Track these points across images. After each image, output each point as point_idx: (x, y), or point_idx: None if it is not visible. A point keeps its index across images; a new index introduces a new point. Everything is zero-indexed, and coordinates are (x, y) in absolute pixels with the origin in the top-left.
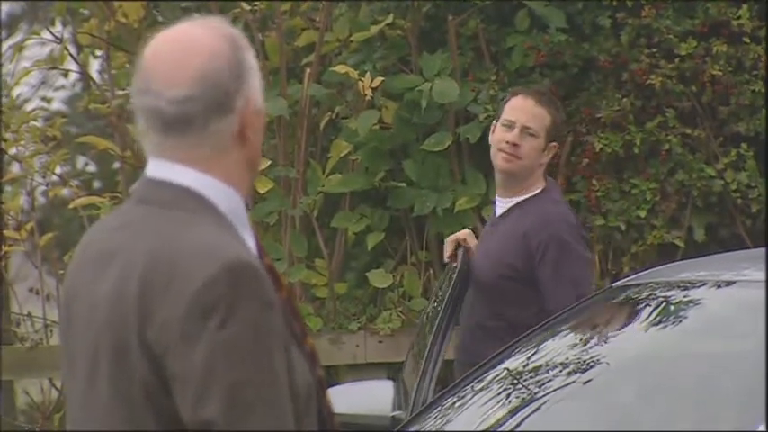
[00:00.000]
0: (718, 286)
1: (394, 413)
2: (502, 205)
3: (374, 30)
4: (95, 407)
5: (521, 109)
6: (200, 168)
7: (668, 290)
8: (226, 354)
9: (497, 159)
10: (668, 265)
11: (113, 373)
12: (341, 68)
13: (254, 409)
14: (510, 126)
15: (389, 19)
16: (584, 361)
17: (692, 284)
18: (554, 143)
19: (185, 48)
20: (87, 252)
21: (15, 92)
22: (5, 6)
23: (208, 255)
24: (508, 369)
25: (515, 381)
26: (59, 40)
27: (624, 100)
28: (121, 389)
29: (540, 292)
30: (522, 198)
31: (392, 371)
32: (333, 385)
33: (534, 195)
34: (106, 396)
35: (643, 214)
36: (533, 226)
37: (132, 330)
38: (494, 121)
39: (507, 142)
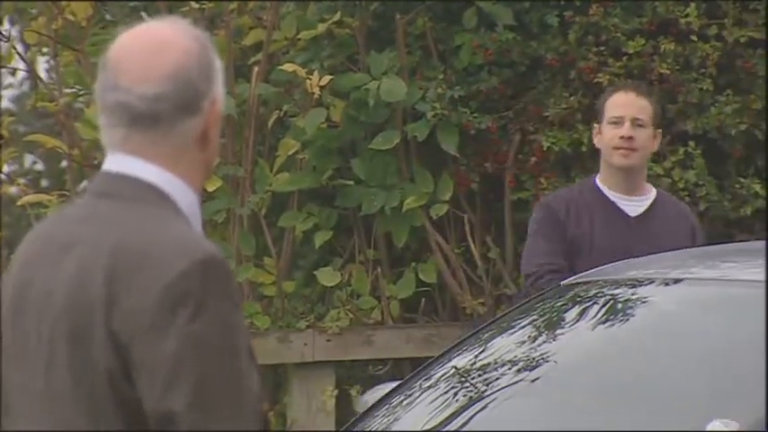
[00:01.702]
0: (666, 284)
1: None
2: (634, 204)
3: (322, 28)
4: (55, 396)
5: (625, 104)
6: (162, 165)
7: (616, 288)
8: (194, 347)
9: (614, 158)
10: (616, 263)
11: (73, 361)
12: (289, 67)
13: (218, 405)
14: (619, 122)
15: (337, 17)
16: (532, 359)
17: (640, 282)
18: (659, 130)
19: (157, 45)
20: (43, 243)
21: None
22: None
23: (181, 248)
24: (456, 367)
25: (463, 379)
26: (7, 39)
27: (572, 98)
28: (83, 377)
29: None
30: (654, 194)
31: (340, 369)
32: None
33: (658, 197)
34: (67, 384)
35: None
36: (691, 217)
37: (96, 318)
38: (594, 125)
39: (621, 137)
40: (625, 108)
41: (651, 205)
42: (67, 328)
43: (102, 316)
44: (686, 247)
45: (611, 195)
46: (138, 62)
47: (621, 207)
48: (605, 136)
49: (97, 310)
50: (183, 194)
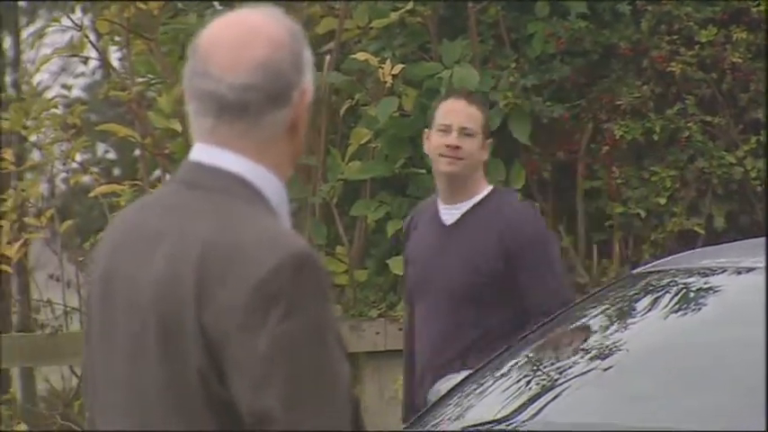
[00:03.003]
0: (738, 273)
1: None
2: (450, 213)
3: (394, 17)
4: (144, 389)
5: (455, 112)
6: (251, 157)
7: (688, 277)
8: (287, 345)
9: (440, 165)
10: (688, 252)
11: (164, 356)
12: (361, 56)
13: (312, 403)
14: (447, 130)
15: (409, 5)
16: (604, 348)
17: (712, 271)
18: (489, 140)
19: (248, 34)
20: (130, 232)
21: (36, 79)
22: None
23: (273, 244)
24: (528, 356)
25: (535, 368)
26: (79, 28)
27: (644, 87)
28: (174, 373)
29: (520, 294)
30: (474, 202)
31: None
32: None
33: (487, 196)
34: (157, 379)
35: (663, 201)
36: (508, 227)
37: (188, 314)
38: (426, 130)
39: (447, 146)
40: (454, 116)
41: (467, 212)
42: (157, 322)
43: (192, 311)
44: (492, 258)
45: (439, 203)
46: (228, 50)
47: (441, 215)
48: (433, 142)
49: (188, 304)
50: (271, 186)
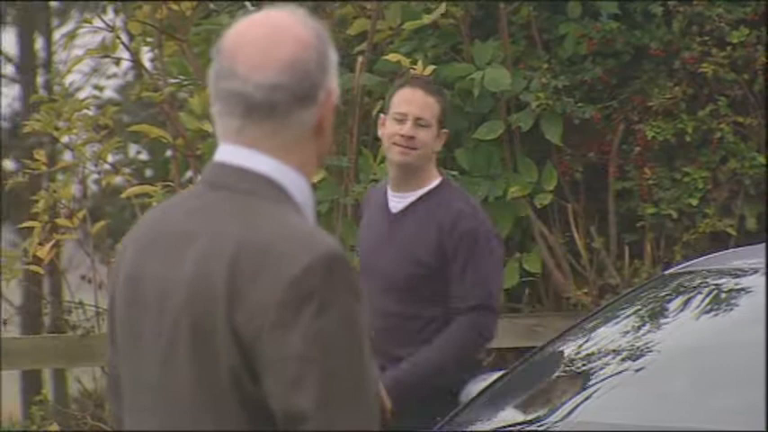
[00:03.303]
0: None
1: None
2: (398, 200)
3: (427, 19)
4: (175, 390)
5: (411, 101)
6: (278, 157)
7: (720, 277)
8: (320, 344)
9: (392, 153)
10: (720, 252)
11: (196, 356)
12: (393, 57)
13: (345, 402)
14: (402, 119)
15: (442, 8)
16: (636, 349)
17: (744, 272)
18: (445, 130)
19: (274, 34)
20: (156, 233)
21: (67, 80)
22: None
23: (303, 243)
24: (561, 356)
25: (567, 368)
26: (111, 29)
27: (676, 88)
28: (205, 373)
29: (450, 288)
30: (423, 192)
31: None
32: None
33: (435, 188)
34: (188, 380)
35: (695, 202)
36: (447, 220)
37: (220, 315)
38: (381, 115)
39: (401, 135)
40: (409, 106)
41: (413, 202)
42: (189, 322)
43: (225, 312)
44: (431, 250)
45: (389, 190)
46: (255, 50)
47: (390, 202)
48: (387, 130)
49: (220, 305)
50: (297, 186)
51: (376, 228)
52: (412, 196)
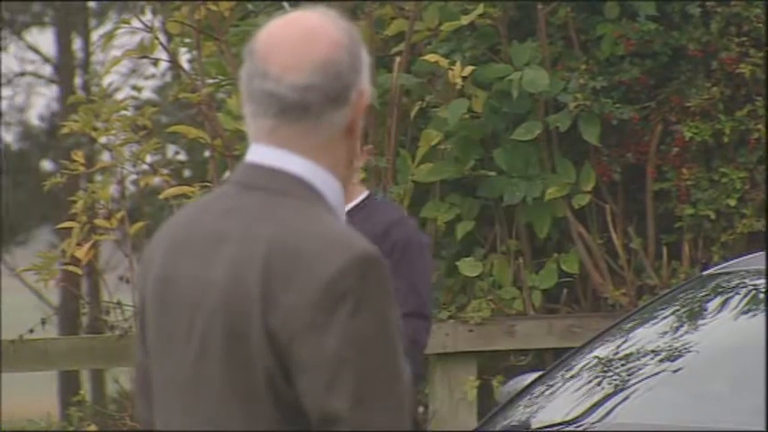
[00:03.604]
0: None
1: None
2: None
3: (465, 20)
4: (208, 391)
5: None
6: (311, 158)
7: (758, 278)
8: (355, 345)
9: None
10: (758, 253)
11: (228, 358)
12: (431, 57)
13: (380, 403)
14: None
15: (480, 9)
16: (674, 349)
17: None
18: (368, 146)
19: (307, 34)
20: (187, 234)
21: (106, 81)
22: None
23: (337, 244)
24: (598, 357)
25: (605, 369)
26: (149, 29)
27: (714, 89)
28: (239, 374)
29: None
30: (351, 206)
31: (482, 360)
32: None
33: (363, 201)
34: (220, 381)
35: (733, 203)
36: (379, 230)
37: (254, 316)
38: None
39: None
40: None
41: (353, 214)
42: (223, 323)
43: (258, 313)
44: None
45: None
46: (288, 51)
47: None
48: None
49: (254, 306)
50: (329, 187)
51: None
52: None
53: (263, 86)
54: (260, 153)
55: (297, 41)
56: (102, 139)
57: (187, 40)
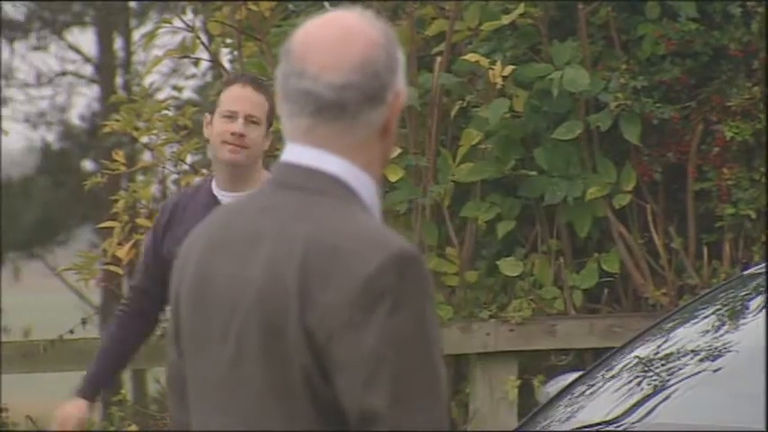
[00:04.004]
0: None
1: None
2: (229, 200)
3: (506, 20)
4: (245, 389)
5: (241, 98)
6: (346, 157)
7: None
8: (393, 344)
9: (223, 153)
10: None
11: (265, 357)
12: (471, 57)
13: (418, 402)
14: (232, 117)
15: (521, 9)
16: (715, 349)
17: None
18: (272, 129)
19: (344, 34)
20: (224, 233)
21: (147, 80)
22: None
23: (374, 243)
24: (639, 357)
25: (646, 369)
26: (191, 29)
27: (755, 88)
28: (276, 372)
29: None
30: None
31: (522, 359)
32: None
33: None
34: (257, 380)
35: None
36: None
37: (291, 315)
38: (206, 115)
39: (232, 133)
40: (240, 103)
41: None
42: (260, 322)
43: (296, 311)
44: None
45: (218, 192)
46: (325, 50)
47: (223, 203)
48: (216, 128)
49: (291, 304)
50: (365, 187)
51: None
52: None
53: (299, 85)
54: (296, 153)
55: (334, 41)
56: (144, 139)
57: (228, 41)
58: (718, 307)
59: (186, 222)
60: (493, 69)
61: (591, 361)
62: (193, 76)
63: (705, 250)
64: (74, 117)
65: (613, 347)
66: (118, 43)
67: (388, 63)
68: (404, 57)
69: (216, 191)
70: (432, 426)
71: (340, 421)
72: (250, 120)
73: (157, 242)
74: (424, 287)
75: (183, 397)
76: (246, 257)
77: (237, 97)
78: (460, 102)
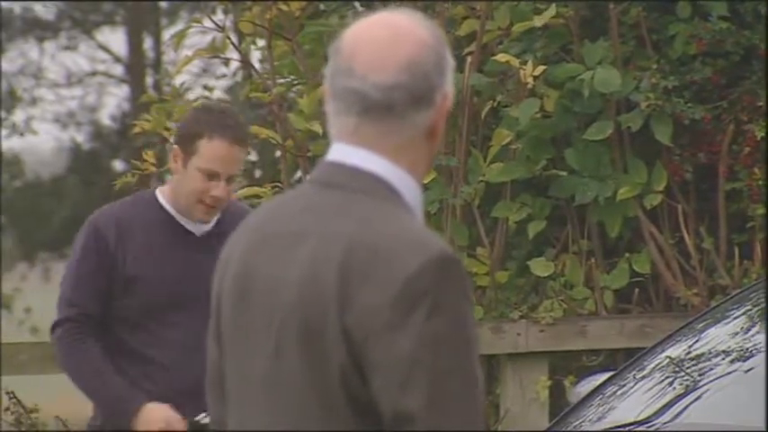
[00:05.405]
0: None
1: None
2: (197, 225)
3: (538, 21)
4: (284, 387)
5: (228, 160)
6: (390, 158)
7: None
8: (431, 346)
9: (195, 210)
10: None
11: (305, 354)
12: (502, 57)
13: (454, 403)
14: (214, 177)
15: (552, 11)
16: (746, 349)
17: None
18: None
19: (393, 35)
20: (266, 232)
21: (177, 80)
22: None
23: (415, 245)
24: (670, 357)
25: (677, 369)
26: (221, 29)
27: None
28: (315, 371)
29: None
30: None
31: (553, 360)
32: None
33: (231, 204)
34: (297, 379)
35: None
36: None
37: (330, 314)
38: (174, 146)
39: (213, 196)
40: (225, 165)
41: (218, 220)
42: (300, 320)
43: (335, 311)
44: None
45: (174, 214)
46: (374, 50)
47: (187, 226)
48: (192, 183)
49: (331, 304)
50: (408, 188)
51: (174, 253)
52: (212, 222)
53: (347, 84)
54: (341, 152)
55: (384, 40)
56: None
57: (259, 40)
58: (750, 307)
59: (140, 235)
60: (524, 69)
61: (622, 361)
62: (223, 76)
63: (736, 250)
64: (104, 117)
65: (644, 348)
66: (148, 43)
67: (437, 64)
68: (452, 59)
69: (174, 215)
70: (467, 427)
71: (376, 422)
72: (231, 179)
73: (107, 262)
74: (463, 290)
75: (221, 394)
76: (288, 257)
77: (223, 158)
78: (491, 102)
